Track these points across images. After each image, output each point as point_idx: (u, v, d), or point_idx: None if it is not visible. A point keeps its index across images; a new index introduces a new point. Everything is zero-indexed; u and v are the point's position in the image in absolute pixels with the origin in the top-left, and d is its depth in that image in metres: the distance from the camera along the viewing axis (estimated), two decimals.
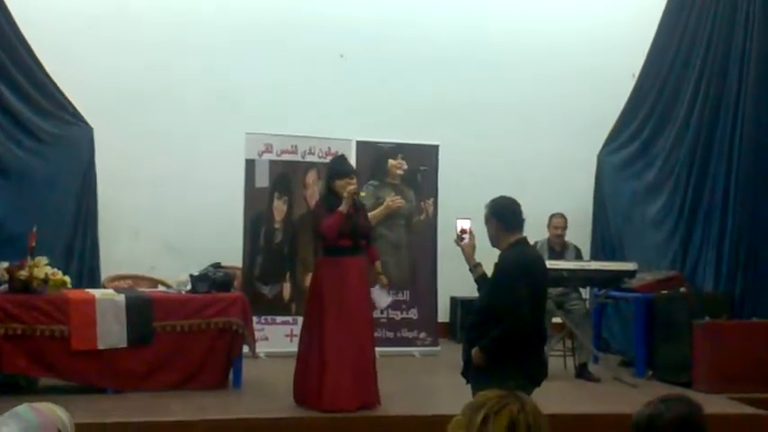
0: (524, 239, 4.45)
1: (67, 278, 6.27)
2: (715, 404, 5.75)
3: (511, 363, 4.19)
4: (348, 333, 5.69)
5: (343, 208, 5.68)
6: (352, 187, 5.72)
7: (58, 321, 5.99)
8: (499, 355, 4.22)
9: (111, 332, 6.12)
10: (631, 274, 7.48)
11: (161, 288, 7.23)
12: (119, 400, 5.93)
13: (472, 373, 4.33)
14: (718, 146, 7.65)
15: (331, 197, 5.82)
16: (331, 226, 5.68)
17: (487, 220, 4.44)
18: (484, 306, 4.42)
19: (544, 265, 4.70)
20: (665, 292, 7.43)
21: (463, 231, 4.53)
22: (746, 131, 7.29)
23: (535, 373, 4.31)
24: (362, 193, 5.91)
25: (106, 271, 8.19)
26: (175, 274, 6.98)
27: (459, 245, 4.56)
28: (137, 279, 7.85)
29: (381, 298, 6.11)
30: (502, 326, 4.20)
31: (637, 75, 8.98)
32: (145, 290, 6.98)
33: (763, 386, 6.77)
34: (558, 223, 7.84)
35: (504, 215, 4.40)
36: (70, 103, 8.21)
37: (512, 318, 4.20)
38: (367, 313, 5.95)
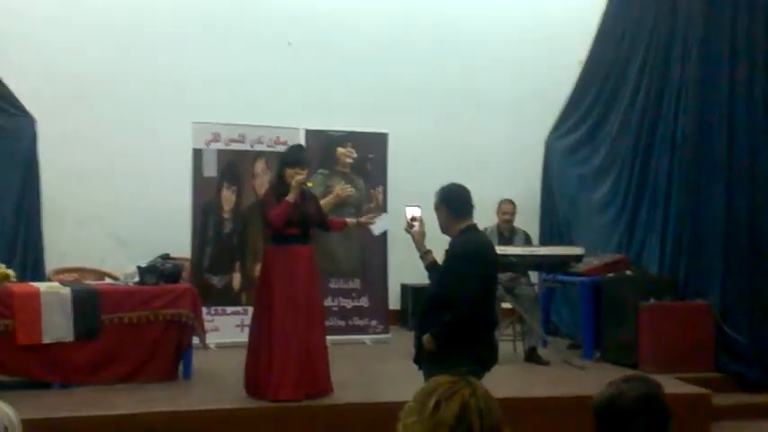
0: (474, 226, 4.48)
1: (11, 271, 6.16)
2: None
3: (462, 348, 4.22)
4: (297, 322, 5.68)
5: (290, 197, 5.66)
6: (300, 177, 5.70)
7: (2, 316, 5.87)
8: (450, 340, 4.25)
9: (57, 326, 6.01)
10: (578, 258, 7.59)
11: (108, 280, 7.13)
12: (66, 395, 5.84)
13: (424, 359, 4.36)
14: (661, 131, 7.77)
15: (281, 185, 5.80)
16: (278, 215, 5.66)
17: (437, 208, 4.46)
18: (435, 293, 4.44)
19: (494, 251, 4.73)
20: (612, 275, 7.55)
21: (413, 219, 4.55)
22: (689, 118, 7.42)
23: (486, 358, 4.34)
24: (310, 183, 5.90)
25: (52, 263, 8.06)
26: (123, 265, 6.89)
27: (409, 232, 4.58)
28: (83, 271, 7.73)
29: (382, 225, 6.23)
30: (453, 312, 4.23)
31: (583, 61, 9.08)
32: (91, 282, 6.88)
33: (706, 365, 6.94)
34: (506, 209, 7.91)
35: (453, 202, 4.43)
36: (12, 94, 8.05)
37: (463, 304, 4.22)
38: (317, 302, 5.94)
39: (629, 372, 6.08)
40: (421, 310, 4.60)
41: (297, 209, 5.72)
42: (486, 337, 4.43)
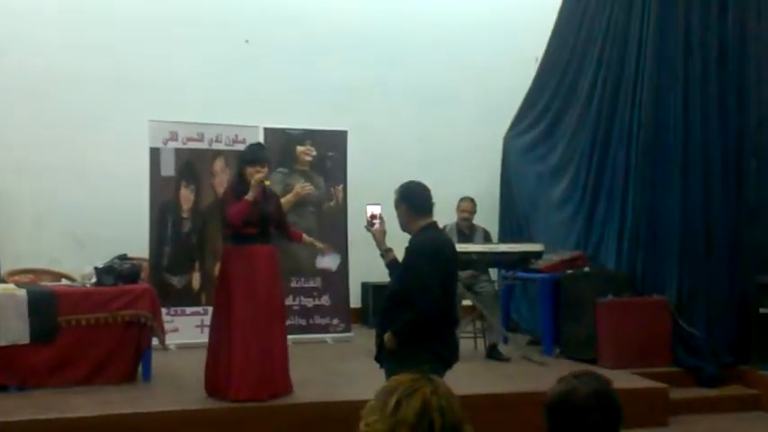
0: (434, 223, 4.49)
1: None
2: (618, 379, 5.89)
3: (423, 346, 4.23)
4: (257, 322, 5.63)
5: (249, 196, 5.62)
6: (259, 175, 5.65)
7: None
8: (411, 338, 4.26)
9: (13, 328, 5.92)
10: (538, 255, 7.64)
11: (65, 282, 7.03)
12: (22, 398, 5.74)
13: (385, 357, 4.36)
14: (618, 129, 7.85)
15: (241, 184, 5.75)
16: (237, 213, 5.62)
17: (397, 205, 4.47)
18: (395, 290, 4.45)
19: (454, 248, 4.74)
20: (571, 271, 7.61)
21: (373, 217, 4.55)
22: (644, 114, 7.51)
23: (447, 356, 4.35)
24: (268, 182, 5.84)
25: (6, 265, 7.91)
26: (80, 266, 6.81)
27: (369, 230, 4.57)
28: (39, 273, 7.61)
29: (331, 261, 6.14)
30: (413, 310, 4.24)
31: (539, 58, 9.14)
32: (48, 284, 6.77)
33: (664, 360, 7.03)
34: (466, 207, 7.94)
35: (413, 200, 4.43)
36: None
37: (423, 301, 4.23)
38: (277, 301, 5.89)
39: (587, 367, 6.14)
40: (381, 309, 4.61)
41: (256, 207, 5.67)
42: (446, 334, 4.43)
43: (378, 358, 4.44)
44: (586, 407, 2.31)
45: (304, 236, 6.25)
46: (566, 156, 8.55)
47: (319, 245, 6.27)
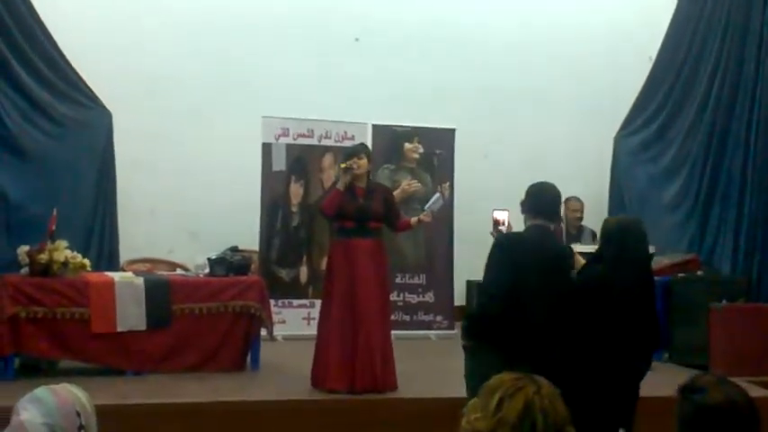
0: (538, 226, 4.27)
1: (87, 261, 6.32)
2: None
3: (489, 345, 4.07)
4: (354, 315, 5.66)
5: (339, 185, 5.72)
6: (344, 165, 5.73)
7: (79, 304, 6.04)
8: (482, 335, 4.16)
9: (131, 315, 6.17)
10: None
11: (179, 272, 7.28)
12: (138, 382, 6.00)
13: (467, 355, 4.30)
14: (735, 128, 7.60)
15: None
16: (327, 202, 5.74)
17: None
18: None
19: (548, 252, 4.32)
20: (682, 275, 7.41)
21: (499, 223, 4.45)
22: (764, 114, 7.25)
23: (518, 360, 3.98)
24: (343, 165, 5.75)
25: (124, 254, 8.24)
26: (193, 257, 7.02)
27: (494, 237, 4.42)
28: (155, 262, 7.91)
29: (436, 205, 5.98)
30: (475, 306, 4.17)
31: (654, 58, 8.92)
32: (163, 273, 7.03)
33: None
34: (575, 207, 7.84)
35: (528, 197, 4.33)
36: (88, 87, 8.24)
37: (480, 298, 4.14)
38: (377, 297, 5.81)
39: (699, 372, 5.96)
40: None
41: (353, 201, 5.73)
42: (524, 336, 4.09)
43: None
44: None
45: (411, 220, 6.09)
46: (679, 157, 8.32)
47: (422, 217, 6.02)
